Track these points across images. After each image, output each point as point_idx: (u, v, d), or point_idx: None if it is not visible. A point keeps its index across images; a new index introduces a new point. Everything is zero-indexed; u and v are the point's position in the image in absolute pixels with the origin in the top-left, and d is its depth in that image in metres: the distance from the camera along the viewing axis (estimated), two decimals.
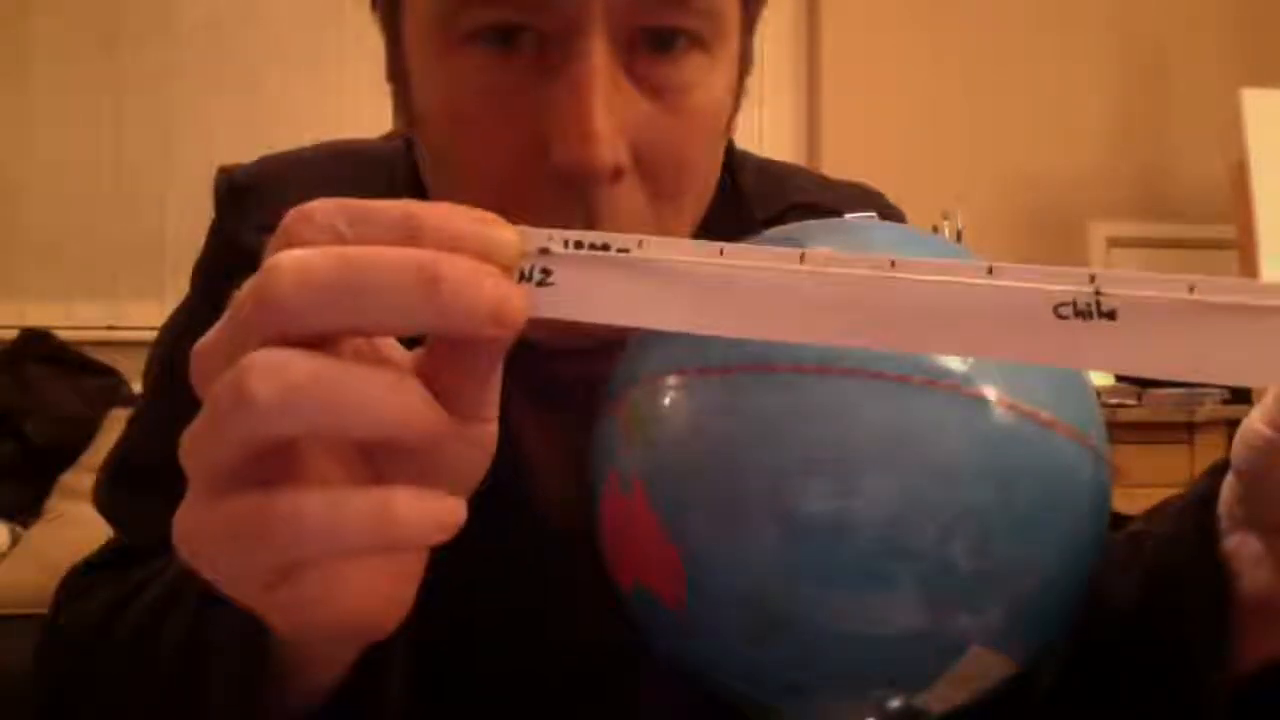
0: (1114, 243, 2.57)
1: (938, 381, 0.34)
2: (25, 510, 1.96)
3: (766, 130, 2.56)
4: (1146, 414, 2.20)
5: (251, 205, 0.57)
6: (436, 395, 0.29)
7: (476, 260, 0.28)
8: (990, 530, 0.34)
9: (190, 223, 2.22)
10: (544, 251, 0.29)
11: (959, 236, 2.31)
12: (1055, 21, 2.56)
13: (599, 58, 0.41)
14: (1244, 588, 0.36)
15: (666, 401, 0.37)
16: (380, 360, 0.29)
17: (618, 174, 0.42)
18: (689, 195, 0.47)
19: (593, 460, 0.40)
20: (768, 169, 0.61)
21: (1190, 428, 2.23)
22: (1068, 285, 0.28)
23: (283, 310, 0.27)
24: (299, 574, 0.28)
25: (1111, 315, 0.28)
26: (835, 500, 0.34)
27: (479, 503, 0.53)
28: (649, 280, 0.29)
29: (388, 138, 0.63)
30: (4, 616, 1.54)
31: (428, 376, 0.29)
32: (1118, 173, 2.59)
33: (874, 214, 0.50)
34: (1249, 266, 2.01)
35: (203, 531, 0.28)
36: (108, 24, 2.41)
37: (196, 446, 0.28)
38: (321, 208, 0.28)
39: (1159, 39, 2.59)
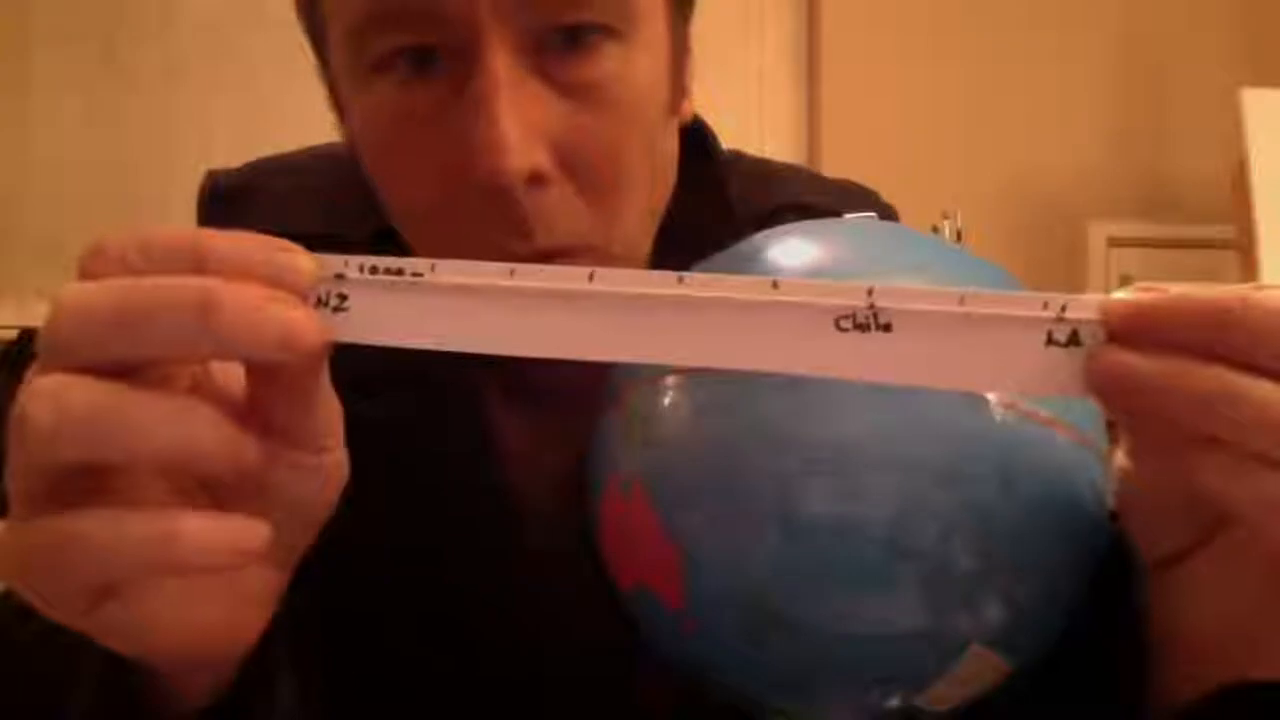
0: (1114, 243, 2.57)
1: None
2: None
3: (767, 130, 2.56)
4: None
5: (233, 212, 0.57)
6: (264, 424, 0.30)
7: (265, 287, 0.28)
8: (990, 530, 0.34)
9: (190, 223, 2.21)
10: (339, 277, 0.30)
11: (959, 236, 2.31)
12: (1055, 21, 2.55)
13: (500, 65, 0.41)
14: (1149, 628, 0.36)
15: (666, 401, 0.37)
16: (183, 388, 0.30)
17: (538, 178, 0.42)
18: (628, 190, 0.46)
19: (592, 461, 0.40)
20: (757, 168, 0.61)
21: None
22: (846, 299, 0.29)
23: (63, 342, 0.28)
24: (112, 597, 0.29)
25: (887, 327, 0.29)
26: (835, 500, 0.34)
27: (473, 508, 0.53)
28: (445, 303, 0.30)
29: None
30: None
31: (255, 408, 0.30)
32: (1118, 173, 2.59)
33: (874, 214, 0.50)
34: (1249, 266, 2.01)
35: (9, 555, 0.29)
36: (108, 24, 2.40)
37: (7, 471, 0.29)
38: (114, 240, 0.29)
39: (1159, 39, 2.59)
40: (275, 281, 0.28)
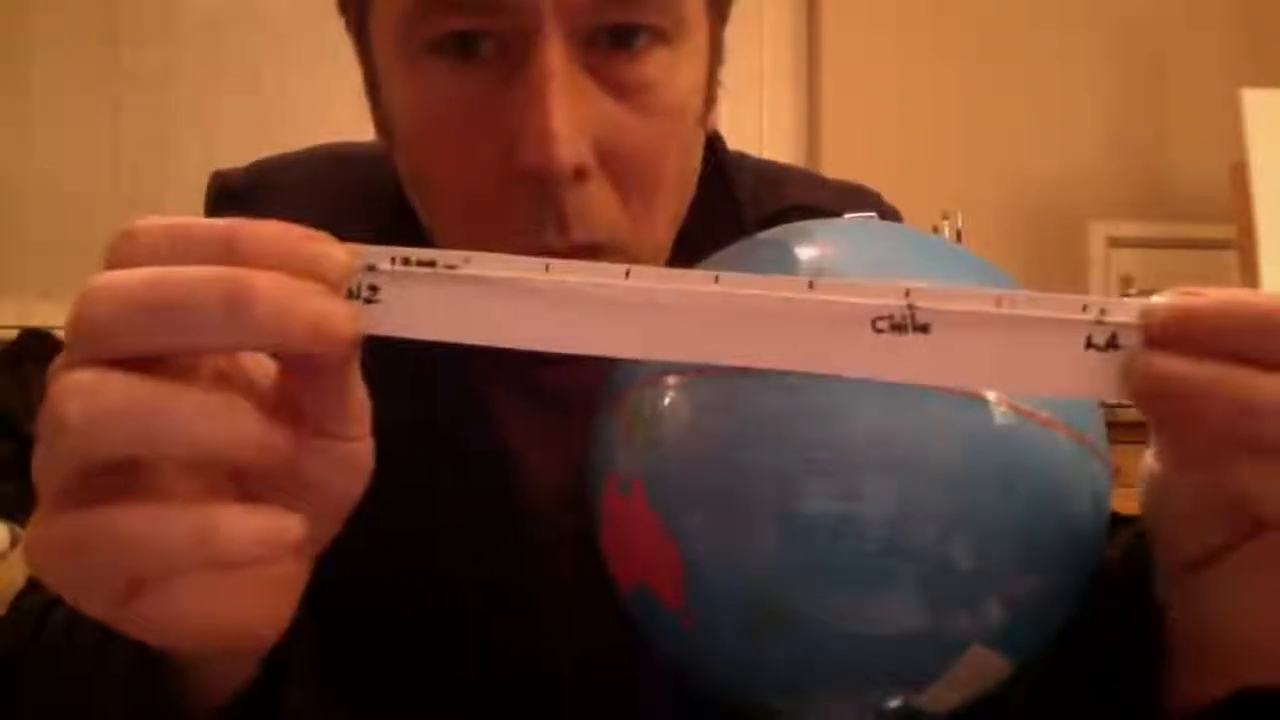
0: (1114, 243, 2.57)
1: None
2: (25, 510, 1.96)
3: (766, 130, 2.56)
4: None
5: (240, 211, 0.57)
6: (295, 415, 0.29)
7: (298, 278, 0.28)
8: (990, 530, 0.34)
9: None
10: (371, 269, 0.29)
11: (959, 236, 2.31)
12: (1055, 21, 2.55)
13: (555, 58, 0.41)
14: (1170, 631, 0.36)
15: (666, 401, 0.37)
16: (212, 380, 0.29)
17: (581, 173, 0.42)
18: (661, 193, 0.46)
19: (592, 460, 0.40)
20: (763, 170, 0.61)
21: None
22: (884, 300, 0.29)
23: (95, 333, 0.27)
24: (144, 590, 0.28)
25: (925, 328, 0.29)
26: (835, 500, 0.34)
27: (481, 508, 0.53)
28: (478, 296, 0.29)
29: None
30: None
31: (285, 397, 0.30)
32: (1118, 173, 2.59)
33: (874, 214, 0.50)
34: (1249, 266, 2.01)
35: (41, 548, 0.29)
36: (107, 23, 2.40)
37: (35, 465, 0.28)
38: (145, 227, 0.29)
39: (1159, 39, 2.59)
40: (307, 272, 0.28)
